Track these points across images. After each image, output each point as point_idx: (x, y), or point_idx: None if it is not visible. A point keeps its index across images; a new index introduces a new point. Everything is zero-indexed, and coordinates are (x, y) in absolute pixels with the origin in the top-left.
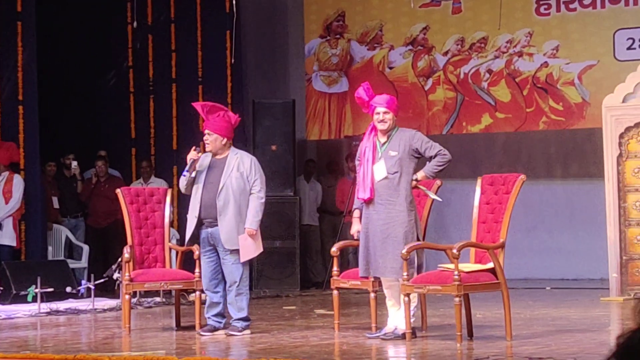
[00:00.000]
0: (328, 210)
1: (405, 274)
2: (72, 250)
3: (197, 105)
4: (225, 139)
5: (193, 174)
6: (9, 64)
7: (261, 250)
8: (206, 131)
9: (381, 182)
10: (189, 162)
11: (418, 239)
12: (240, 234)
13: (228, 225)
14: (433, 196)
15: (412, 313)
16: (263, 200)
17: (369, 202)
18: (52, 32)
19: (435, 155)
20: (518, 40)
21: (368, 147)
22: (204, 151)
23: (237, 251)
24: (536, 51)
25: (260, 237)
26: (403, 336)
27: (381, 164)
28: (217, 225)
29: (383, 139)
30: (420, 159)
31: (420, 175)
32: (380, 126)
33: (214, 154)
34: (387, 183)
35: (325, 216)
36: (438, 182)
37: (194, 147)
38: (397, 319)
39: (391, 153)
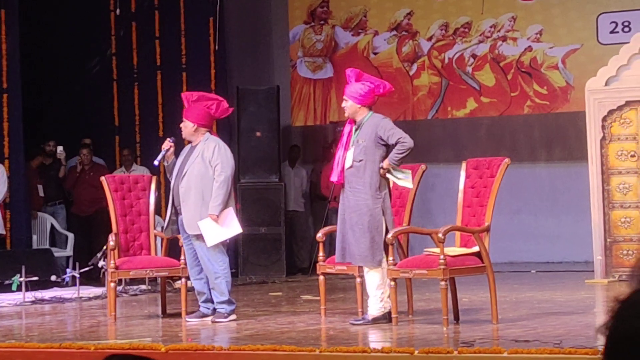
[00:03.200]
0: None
1: (391, 258)
2: (54, 239)
3: (183, 95)
4: (195, 126)
5: (165, 163)
6: None
7: (237, 232)
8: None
9: (350, 170)
10: (162, 150)
11: (387, 228)
12: (204, 219)
13: (190, 212)
14: (401, 183)
15: (382, 299)
16: (222, 183)
17: (342, 188)
18: (35, 19)
19: (396, 143)
20: (502, 25)
21: (345, 134)
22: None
23: (202, 236)
24: (520, 35)
25: (232, 219)
26: (373, 322)
27: (351, 151)
28: None
29: (356, 127)
30: (390, 146)
31: (385, 163)
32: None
33: (190, 142)
34: (354, 171)
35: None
36: (423, 166)
37: (169, 138)
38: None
39: (360, 141)
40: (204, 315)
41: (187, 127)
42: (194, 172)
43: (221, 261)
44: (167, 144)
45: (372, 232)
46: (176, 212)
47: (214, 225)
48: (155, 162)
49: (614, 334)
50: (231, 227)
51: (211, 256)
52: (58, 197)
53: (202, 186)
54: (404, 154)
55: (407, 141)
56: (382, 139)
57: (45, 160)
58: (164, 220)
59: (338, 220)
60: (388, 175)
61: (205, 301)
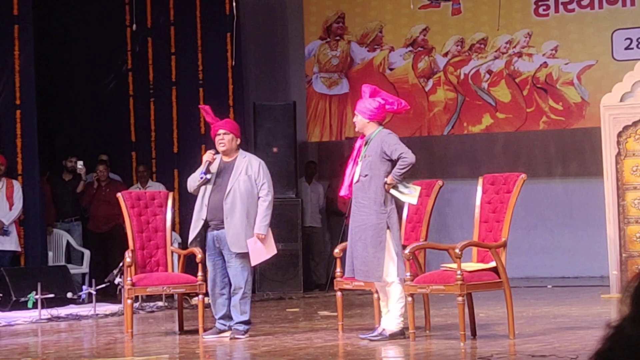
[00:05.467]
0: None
1: (408, 274)
2: (70, 255)
3: (206, 107)
4: (238, 140)
5: (208, 176)
6: (6, 68)
7: (274, 252)
8: (221, 131)
9: (356, 185)
10: (204, 163)
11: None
12: (247, 237)
13: (235, 229)
14: (404, 199)
15: (400, 313)
16: (270, 203)
17: (351, 202)
18: (50, 35)
19: (398, 159)
20: (517, 41)
21: (356, 149)
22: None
23: (243, 254)
24: (535, 51)
25: (272, 240)
26: (390, 337)
27: (359, 166)
28: (223, 227)
29: (365, 142)
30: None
31: (388, 179)
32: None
33: (224, 156)
34: (360, 185)
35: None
36: (439, 182)
37: (210, 150)
38: (385, 320)
39: (367, 156)
40: (221, 332)
41: (232, 140)
42: (240, 188)
43: (250, 282)
44: (210, 156)
45: (374, 247)
46: (205, 227)
47: (259, 244)
48: (202, 175)
49: None
50: (271, 247)
51: (245, 276)
52: (74, 213)
53: (248, 204)
54: (405, 170)
55: (408, 157)
56: (386, 154)
57: (66, 176)
58: (191, 233)
59: (348, 234)
60: (392, 191)
61: (222, 317)
